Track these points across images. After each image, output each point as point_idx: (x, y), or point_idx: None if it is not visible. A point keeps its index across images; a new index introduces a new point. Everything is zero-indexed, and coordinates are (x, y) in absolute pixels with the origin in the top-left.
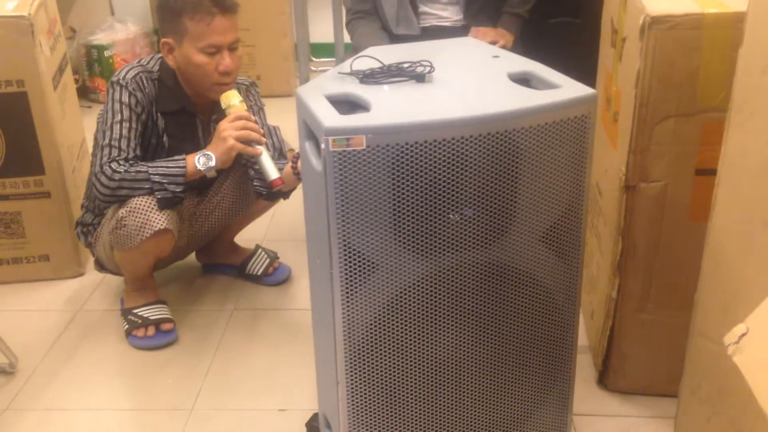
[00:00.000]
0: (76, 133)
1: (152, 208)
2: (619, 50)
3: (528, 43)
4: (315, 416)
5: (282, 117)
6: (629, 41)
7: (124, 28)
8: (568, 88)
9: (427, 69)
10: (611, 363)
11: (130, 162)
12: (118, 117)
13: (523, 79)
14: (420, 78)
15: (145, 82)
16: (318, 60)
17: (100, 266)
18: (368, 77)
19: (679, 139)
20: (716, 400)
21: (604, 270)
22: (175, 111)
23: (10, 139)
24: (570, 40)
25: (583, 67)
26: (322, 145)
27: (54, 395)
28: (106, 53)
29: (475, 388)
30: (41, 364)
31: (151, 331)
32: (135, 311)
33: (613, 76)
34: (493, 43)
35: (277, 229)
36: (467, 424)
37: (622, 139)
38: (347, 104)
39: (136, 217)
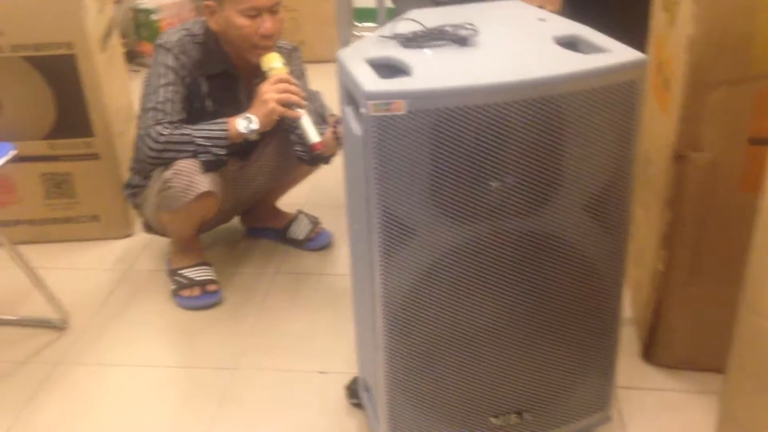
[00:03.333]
0: (123, 96)
1: (196, 171)
2: (672, 14)
3: (576, 6)
4: (355, 379)
5: (325, 82)
6: (683, 5)
7: None
8: (616, 53)
9: (471, 32)
10: (656, 337)
11: (175, 125)
12: (163, 80)
13: (570, 43)
14: (463, 41)
15: (189, 45)
16: (361, 25)
17: (148, 227)
18: (410, 41)
19: (733, 107)
20: (764, 376)
21: (651, 241)
22: (217, 74)
23: (60, 101)
24: (620, 3)
25: (633, 32)
26: (362, 110)
27: (103, 351)
28: (153, 17)
29: (515, 355)
30: (92, 320)
31: (196, 291)
32: (181, 272)
33: (664, 41)
34: (540, 7)
35: (319, 195)
36: (507, 391)
37: (672, 107)
38: (388, 68)
39: (181, 179)
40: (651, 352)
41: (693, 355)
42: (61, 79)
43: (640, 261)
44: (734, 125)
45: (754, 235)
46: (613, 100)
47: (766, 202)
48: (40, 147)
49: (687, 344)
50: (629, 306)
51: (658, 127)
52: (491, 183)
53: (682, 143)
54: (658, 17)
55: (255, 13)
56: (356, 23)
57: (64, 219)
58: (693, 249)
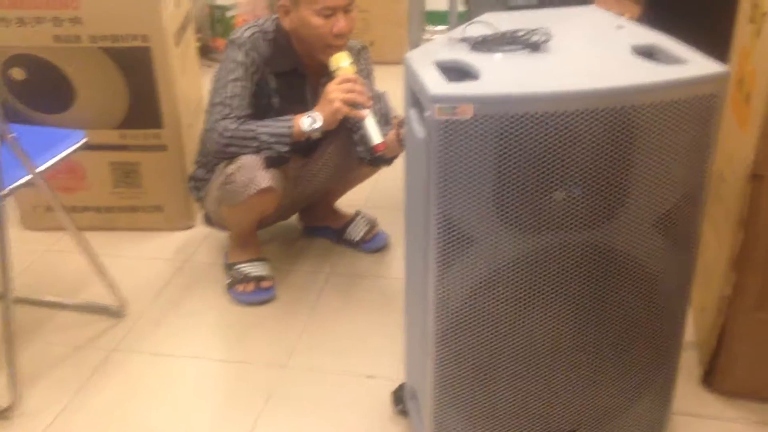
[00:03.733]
0: (194, 90)
1: (259, 167)
2: (759, 25)
3: (657, 14)
4: (402, 386)
5: (392, 84)
6: None
7: None
8: (696, 64)
9: (543, 38)
10: (719, 363)
11: (241, 120)
12: (233, 76)
13: (648, 53)
14: (535, 47)
15: (260, 42)
16: (432, 28)
17: (209, 221)
18: (480, 44)
19: None
20: None
21: (719, 263)
22: (286, 72)
23: (133, 92)
24: (703, 13)
25: (715, 44)
26: (427, 113)
27: (158, 339)
28: (228, 14)
29: (571, 373)
30: (148, 309)
31: (251, 286)
32: (237, 266)
33: (749, 54)
34: (619, 14)
35: (378, 196)
36: (559, 410)
37: (753, 123)
38: (456, 71)
39: (244, 174)
40: (712, 378)
41: (756, 384)
42: (135, 70)
43: (707, 283)
44: None
45: None
46: (689, 114)
47: None
48: (112, 136)
49: (750, 373)
50: (692, 329)
51: (734, 144)
52: (557, 193)
53: (761, 162)
54: (743, 29)
55: (330, 13)
56: (427, 26)
57: (130, 208)
58: (764, 273)
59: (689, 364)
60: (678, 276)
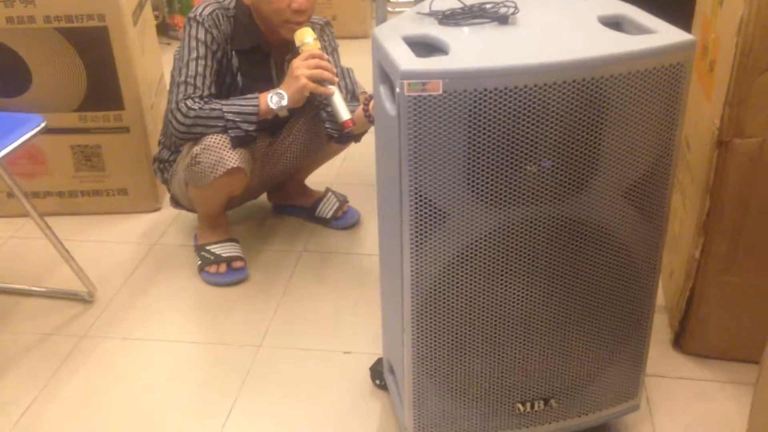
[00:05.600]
0: (154, 69)
1: (226, 147)
2: None
3: None
4: (379, 361)
5: (357, 59)
6: None
7: None
8: (663, 34)
9: (511, 10)
10: (689, 325)
11: (205, 99)
12: (194, 54)
13: (615, 23)
14: (503, 20)
15: (221, 19)
16: (395, 1)
17: (176, 202)
18: (448, 18)
19: None
20: None
21: (687, 229)
22: (249, 49)
23: (91, 73)
24: None
25: (678, 12)
26: (397, 89)
27: (129, 324)
28: None
29: (545, 343)
30: (118, 294)
31: (222, 268)
32: (208, 248)
33: (711, 23)
34: None
35: (348, 173)
36: (534, 378)
37: (717, 91)
38: (425, 46)
39: (210, 154)
40: (682, 340)
41: (726, 344)
42: (92, 51)
43: (676, 248)
44: None
45: None
46: (657, 83)
47: None
48: (71, 119)
49: (720, 333)
50: (662, 293)
51: (700, 112)
52: (528, 167)
53: (725, 129)
54: None
55: None
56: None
57: (93, 192)
58: (731, 237)
59: (660, 327)
60: (648, 243)
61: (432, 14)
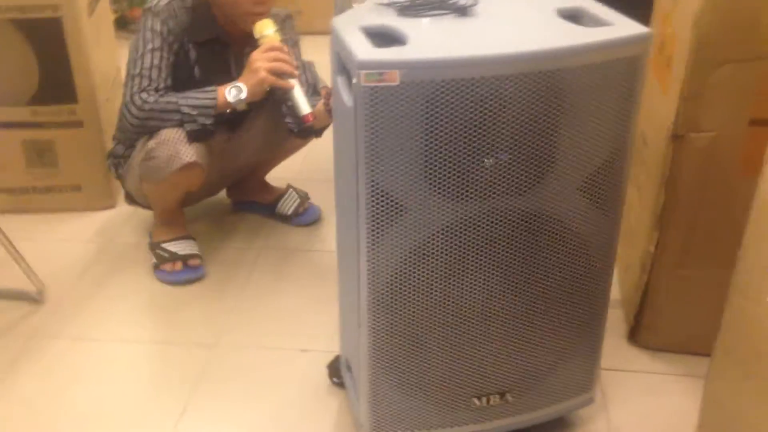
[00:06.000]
0: (111, 62)
1: (182, 141)
2: None
3: None
4: (337, 358)
5: (320, 54)
6: None
7: None
8: (620, 27)
9: (471, 2)
10: (644, 318)
11: (161, 92)
12: (150, 46)
13: (573, 16)
14: (462, 11)
15: (178, 10)
16: None
17: (131, 199)
18: (407, 9)
19: (736, 86)
20: (752, 361)
21: (643, 222)
22: (207, 41)
23: (44, 66)
24: None
25: (638, 8)
26: (354, 80)
27: (81, 324)
28: None
29: (501, 336)
30: (69, 293)
31: (178, 265)
32: (163, 245)
33: (669, 18)
34: None
35: (309, 169)
36: (490, 372)
37: (673, 85)
38: (384, 37)
39: (166, 149)
40: (637, 334)
41: (680, 338)
42: (45, 43)
43: (631, 242)
44: (736, 106)
45: (750, 219)
46: (614, 75)
47: (763, 185)
48: (22, 113)
49: (674, 327)
50: (617, 287)
51: (656, 107)
52: (486, 160)
53: (681, 123)
54: None
55: None
56: None
57: (45, 188)
58: (686, 231)
59: (615, 321)
60: (604, 237)
61: (392, 5)
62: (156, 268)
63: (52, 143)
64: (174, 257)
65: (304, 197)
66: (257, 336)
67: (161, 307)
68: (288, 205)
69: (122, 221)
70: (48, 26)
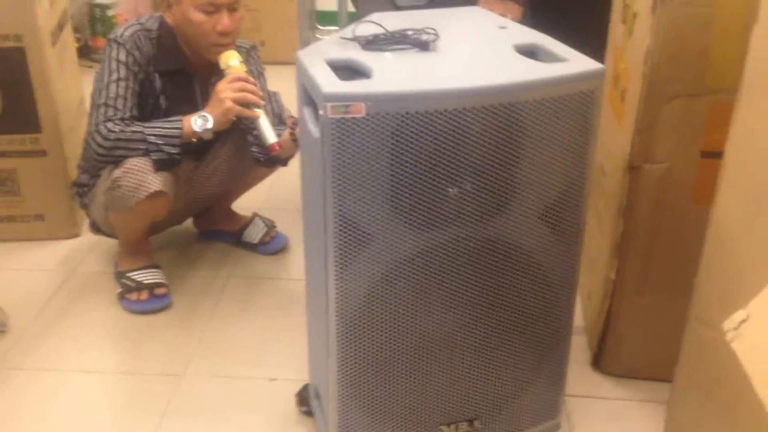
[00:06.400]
0: (74, 91)
1: (148, 170)
2: (630, 26)
3: (538, 15)
4: (305, 387)
5: (284, 84)
6: (640, 17)
7: None
8: (575, 62)
9: (432, 37)
10: (606, 345)
11: (127, 122)
12: (115, 76)
13: (530, 52)
14: (424, 46)
15: (143, 40)
16: (323, 28)
17: (95, 228)
18: (371, 43)
19: (686, 119)
20: (711, 386)
21: (603, 251)
22: (172, 71)
23: (7, 94)
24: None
25: (593, 43)
26: (321, 111)
27: (45, 355)
28: (109, 12)
29: (467, 363)
30: (32, 323)
31: (144, 295)
32: (129, 274)
33: (622, 53)
34: (502, 15)
35: (275, 198)
36: (458, 400)
37: (628, 119)
38: (348, 70)
39: (132, 178)
40: (601, 360)
41: (642, 364)
42: (8, 72)
43: (592, 270)
44: (687, 138)
45: (704, 247)
46: (570, 109)
47: (715, 215)
48: None
49: (636, 353)
50: (580, 314)
51: (613, 139)
52: (449, 189)
53: (636, 154)
54: (616, 29)
55: (213, 9)
56: (318, 26)
57: (8, 218)
58: (644, 259)
59: (579, 347)
60: (565, 264)
61: (355, 39)
62: (121, 297)
63: (14, 172)
64: (140, 286)
65: (270, 225)
66: (225, 365)
67: (127, 336)
68: (254, 234)
69: (86, 250)
70: (11, 56)
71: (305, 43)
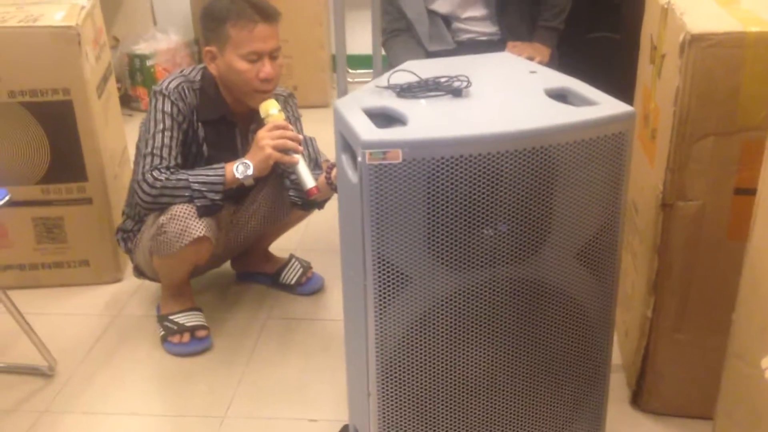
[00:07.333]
0: (118, 140)
1: (192, 216)
2: (658, 67)
3: (566, 57)
4: (345, 427)
5: (317, 128)
6: (669, 58)
7: (165, 38)
8: (605, 105)
9: (464, 84)
10: (645, 383)
11: (171, 170)
12: (161, 126)
13: (561, 95)
14: (457, 93)
15: (187, 92)
16: (355, 72)
17: (139, 272)
18: (405, 91)
19: (718, 157)
20: (752, 423)
21: (639, 288)
22: (215, 120)
23: (55, 146)
24: (609, 55)
25: (621, 83)
26: (359, 158)
27: (91, 398)
28: (148, 62)
29: (506, 404)
30: (79, 367)
31: (186, 337)
32: (171, 317)
33: (651, 93)
34: (530, 58)
35: (311, 239)
36: None
37: (659, 157)
38: (384, 118)
39: (176, 224)
40: (639, 398)
41: (682, 401)
42: (57, 124)
43: (629, 307)
44: (720, 176)
45: (741, 283)
46: (602, 151)
47: (750, 251)
48: (33, 192)
49: (675, 390)
50: (618, 352)
51: (644, 177)
52: (485, 231)
53: (668, 192)
54: (644, 69)
55: (255, 58)
56: (350, 70)
57: (55, 264)
58: (680, 296)
59: (618, 385)
60: (601, 302)
61: (390, 87)
62: (164, 339)
63: (62, 220)
64: (182, 329)
65: (306, 267)
66: (265, 406)
67: (169, 379)
68: (291, 275)
69: (130, 294)
70: (59, 108)
71: (343, 91)
